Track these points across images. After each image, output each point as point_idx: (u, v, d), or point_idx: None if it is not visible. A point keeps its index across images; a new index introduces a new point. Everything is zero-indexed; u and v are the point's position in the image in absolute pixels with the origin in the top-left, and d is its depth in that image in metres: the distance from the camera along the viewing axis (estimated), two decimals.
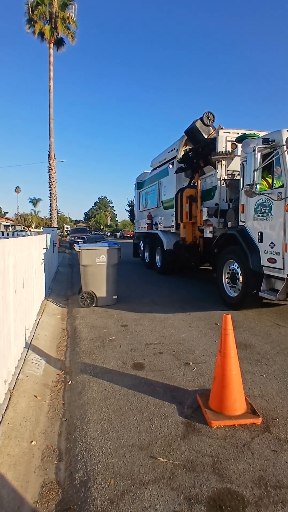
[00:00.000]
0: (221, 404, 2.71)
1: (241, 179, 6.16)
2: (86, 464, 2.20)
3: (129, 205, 48.60)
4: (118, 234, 58.26)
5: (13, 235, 24.02)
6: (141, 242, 14.29)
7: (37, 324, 4.99)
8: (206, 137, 8.37)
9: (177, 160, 9.96)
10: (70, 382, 3.44)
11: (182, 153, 9.97)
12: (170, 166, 10.46)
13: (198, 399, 2.96)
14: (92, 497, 1.91)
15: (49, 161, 24.05)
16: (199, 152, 8.63)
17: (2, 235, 22.61)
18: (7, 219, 65.59)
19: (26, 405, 2.79)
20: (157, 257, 11.42)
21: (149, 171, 13.55)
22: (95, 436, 2.49)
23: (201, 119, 8.39)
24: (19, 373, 3.26)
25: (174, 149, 10.38)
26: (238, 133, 7.28)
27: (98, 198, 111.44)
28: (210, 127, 8.44)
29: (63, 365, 3.94)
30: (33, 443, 2.39)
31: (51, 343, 4.53)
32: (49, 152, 23.91)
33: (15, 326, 3.41)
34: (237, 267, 6.12)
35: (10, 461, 2.10)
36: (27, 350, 3.90)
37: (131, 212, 40.58)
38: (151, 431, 2.54)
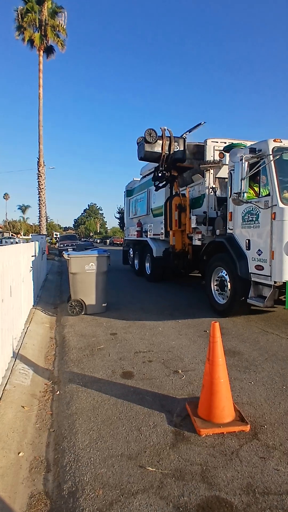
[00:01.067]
0: (209, 412, 2.72)
1: (229, 187, 6.27)
2: (74, 474, 2.18)
3: (118, 212, 48.63)
4: (108, 241, 58.11)
5: (1, 242, 23.75)
6: (131, 249, 14.30)
7: (25, 333, 4.94)
8: (160, 150, 8.31)
9: (152, 180, 10.07)
10: (58, 392, 3.40)
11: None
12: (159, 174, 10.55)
13: (187, 407, 2.97)
14: (80, 508, 1.89)
15: (38, 168, 24.02)
16: (165, 166, 8.69)
17: None
18: None
19: (13, 416, 2.75)
20: (147, 264, 11.45)
21: (139, 179, 13.64)
22: (84, 447, 2.46)
23: (145, 140, 8.23)
24: (6, 383, 3.21)
25: None
26: (225, 143, 7.43)
27: (88, 205, 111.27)
28: (158, 140, 8.32)
29: (51, 374, 3.90)
30: (20, 454, 2.36)
31: (39, 353, 4.48)
32: (38, 159, 23.89)
33: (2, 335, 3.37)
34: (226, 274, 6.19)
35: None
36: (15, 359, 3.85)
37: (121, 219, 40.60)
38: (140, 440, 2.54)
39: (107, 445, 2.48)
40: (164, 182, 9.55)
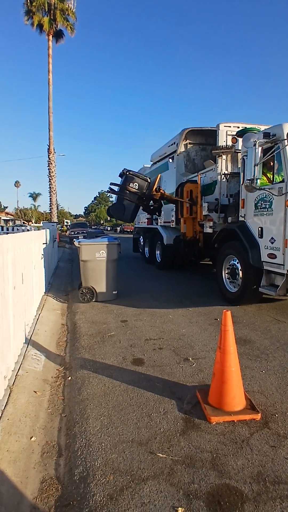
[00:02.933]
0: (220, 400, 2.71)
1: (242, 174, 6.12)
2: (85, 460, 2.21)
3: None
4: (118, 229, 58.12)
5: (13, 229, 23.98)
6: (141, 237, 14.25)
7: (37, 319, 5.00)
8: (144, 187, 8.52)
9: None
10: (70, 378, 3.44)
11: (182, 148, 9.91)
12: (170, 160, 10.40)
13: (197, 394, 2.97)
14: (91, 493, 1.92)
15: (48, 155, 23.91)
16: (146, 201, 8.91)
17: (2, 229, 22.57)
18: (7, 213, 65.43)
19: (25, 401, 2.79)
20: (157, 252, 11.40)
21: (149, 166, 13.48)
22: (95, 432, 2.49)
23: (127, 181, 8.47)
24: (19, 369, 3.26)
25: (174, 143, 10.31)
26: (238, 127, 7.22)
27: (98, 192, 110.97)
28: (136, 178, 8.54)
29: (63, 360, 3.94)
30: (32, 439, 2.40)
31: (51, 339, 4.54)
32: (49, 146, 23.76)
33: (14, 322, 3.41)
34: (237, 263, 6.10)
35: (9, 457, 2.10)
36: (27, 345, 3.90)
37: None
38: (150, 427, 2.55)
39: (117, 431, 2.50)
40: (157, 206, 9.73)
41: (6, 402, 2.66)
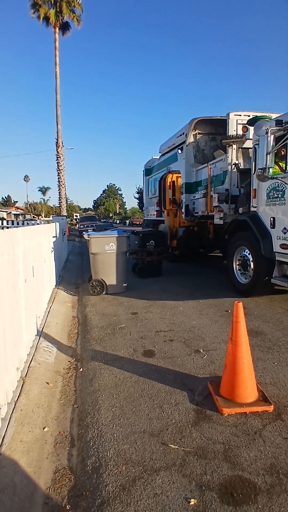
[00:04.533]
0: (232, 391, 2.69)
1: (253, 163, 6.00)
2: (98, 450, 2.22)
3: (137, 192, 48.21)
4: (127, 221, 58.09)
5: (23, 224, 24.17)
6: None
7: (48, 312, 5.04)
8: None
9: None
10: (81, 369, 3.47)
11: (192, 138, 9.77)
12: (179, 151, 10.26)
13: (209, 386, 2.95)
14: (104, 483, 1.93)
15: (57, 149, 23.90)
16: None
17: (13, 224, 22.77)
18: (17, 208, 66.04)
19: (38, 392, 2.82)
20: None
21: (158, 157, 13.35)
22: (107, 423, 2.51)
23: None
24: (31, 361, 3.30)
25: (183, 133, 10.16)
26: (249, 116, 7.06)
27: (107, 185, 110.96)
28: None
29: (75, 352, 3.97)
30: (45, 429, 2.43)
31: (62, 331, 4.58)
32: (57, 140, 23.73)
33: (26, 314, 3.44)
34: (248, 254, 6.03)
35: (23, 447, 2.13)
36: (39, 337, 3.94)
37: (140, 199, 40.28)
38: (162, 418, 2.55)
39: (129, 422, 2.51)
40: None
41: (19, 393, 2.69)
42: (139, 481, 1.93)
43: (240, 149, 7.18)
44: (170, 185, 8.57)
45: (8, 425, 2.27)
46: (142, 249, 7.94)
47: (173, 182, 8.49)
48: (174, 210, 9.14)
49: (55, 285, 6.94)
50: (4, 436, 2.15)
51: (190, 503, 1.78)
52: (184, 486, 1.89)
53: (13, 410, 2.45)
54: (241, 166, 7.13)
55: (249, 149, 6.73)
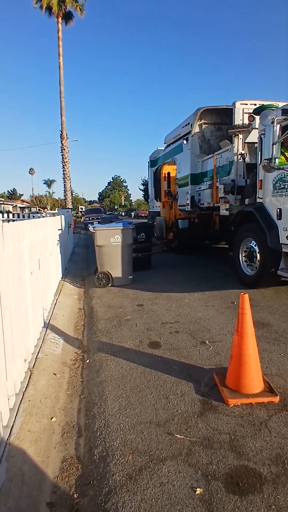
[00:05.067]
0: (238, 382, 2.70)
1: (259, 153, 5.92)
2: (105, 440, 2.25)
3: (143, 184, 48.06)
4: (133, 213, 58.01)
5: (29, 216, 24.22)
6: None
7: (55, 304, 5.07)
8: None
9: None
10: (88, 361, 3.50)
11: (197, 129, 9.66)
12: (185, 142, 10.16)
13: (214, 377, 2.96)
14: (111, 472, 1.96)
15: (61, 141, 23.83)
16: None
17: (18, 217, 22.84)
18: (23, 201, 66.15)
19: (45, 383, 2.86)
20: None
21: (163, 148, 13.24)
22: (113, 413, 2.53)
23: None
24: (38, 352, 3.34)
25: (189, 123, 10.05)
26: (255, 105, 6.94)
27: (112, 177, 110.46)
28: None
29: (81, 344, 4.01)
30: (53, 419, 2.46)
31: (68, 323, 4.61)
32: (61, 132, 23.66)
33: (32, 306, 3.47)
34: (255, 245, 5.98)
35: (31, 437, 2.16)
36: (46, 329, 3.97)
37: (145, 191, 40.12)
38: (168, 408, 2.57)
39: (136, 412, 2.53)
40: None
41: (27, 384, 2.73)
42: (146, 471, 1.96)
43: (246, 144, 7.08)
44: (165, 176, 8.46)
45: (16, 415, 2.31)
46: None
47: (168, 173, 8.37)
48: (170, 202, 9.07)
49: (61, 278, 6.97)
50: (12, 426, 2.19)
51: (196, 492, 1.80)
52: (190, 476, 1.91)
53: (21, 400, 2.49)
54: (247, 160, 7.04)
55: (255, 144, 6.62)
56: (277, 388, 2.78)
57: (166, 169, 8.56)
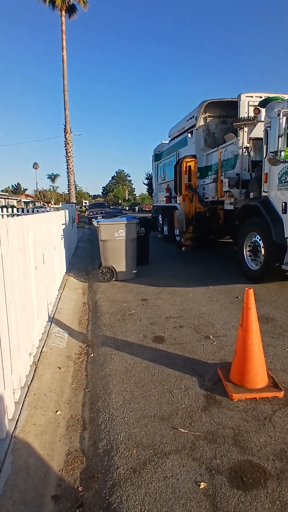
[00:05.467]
0: (242, 377, 2.69)
1: (265, 146, 5.85)
2: (109, 433, 2.26)
3: (147, 178, 47.87)
4: (137, 208, 57.89)
5: (33, 211, 24.25)
6: (160, 216, 14.11)
7: (59, 298, 5.09)
8: None
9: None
10: (92, 355, 3.52)
11: (202, 122, 9.56)
12: (189, 135, 10.07)
13: (218, 372, 2.96)
14: (115, 466, 1.97)
15: (65, 135, 23.74)
16: None
17: (23, 211, 22.88)
18: (27, 195, 66.31)
19: (50, 377, 2.88)
20: (177, 231, 11.27)
21: (167, 142, 13.14)
22: (118, 407, 2.55)
23: None
24: (43, 346, 3.35)
25: (193, 116, 9.94)
26: (261, 97, 6.84)
27: (116, 172, 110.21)
28: None
29: (85, 338, 4.02)
30: (58, 412, 2.48)
31: (73, 317, 4.63)
32: (65, 126, 23.54)
33: (37, 301, 3.48)
34: (259, 240, 5.94)
35: (36, 430, 2.18)
36: (50, 323, 3.99)
37: (149, 185, 39.98)
38: (172, 402, 2.58)
39: (140, 406, 2.54)
40: None
41: (32, 378, 2.75)
42: (150, 464, 1.97)
43: (251, 140, 6.99)
44: (186, 170, 8.43)
45: (21, 408, 2.33)
46: None
47: (189, 167, 8.35)
48: (190, 195, 9.02)
49: (66, 272, 6.99)
50: (18, 419, 2.20)
51: (200, 487, 1.80)
52: (194, 470, 1.92)
53: (26, 394, 2.51)
54: (252, 158, 6.97)
55: (260, 139, 6.54)
56: (282, 383, 2.77)
57: (187, 162, 8.52)
